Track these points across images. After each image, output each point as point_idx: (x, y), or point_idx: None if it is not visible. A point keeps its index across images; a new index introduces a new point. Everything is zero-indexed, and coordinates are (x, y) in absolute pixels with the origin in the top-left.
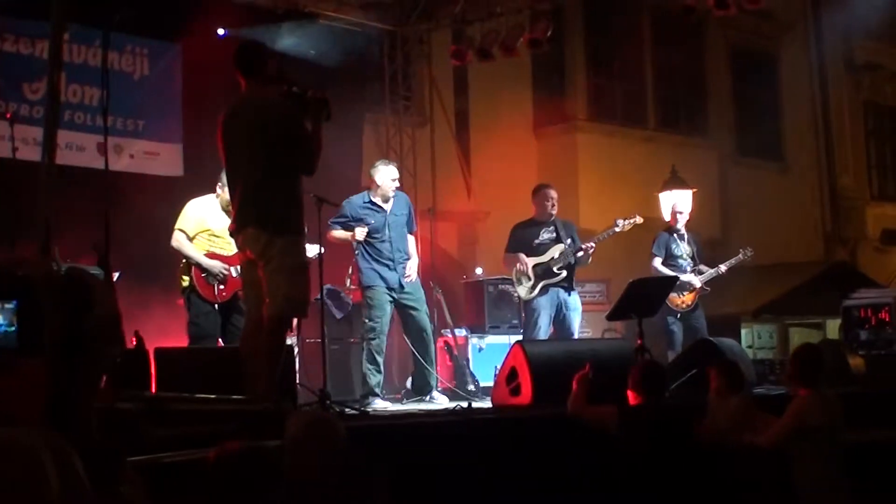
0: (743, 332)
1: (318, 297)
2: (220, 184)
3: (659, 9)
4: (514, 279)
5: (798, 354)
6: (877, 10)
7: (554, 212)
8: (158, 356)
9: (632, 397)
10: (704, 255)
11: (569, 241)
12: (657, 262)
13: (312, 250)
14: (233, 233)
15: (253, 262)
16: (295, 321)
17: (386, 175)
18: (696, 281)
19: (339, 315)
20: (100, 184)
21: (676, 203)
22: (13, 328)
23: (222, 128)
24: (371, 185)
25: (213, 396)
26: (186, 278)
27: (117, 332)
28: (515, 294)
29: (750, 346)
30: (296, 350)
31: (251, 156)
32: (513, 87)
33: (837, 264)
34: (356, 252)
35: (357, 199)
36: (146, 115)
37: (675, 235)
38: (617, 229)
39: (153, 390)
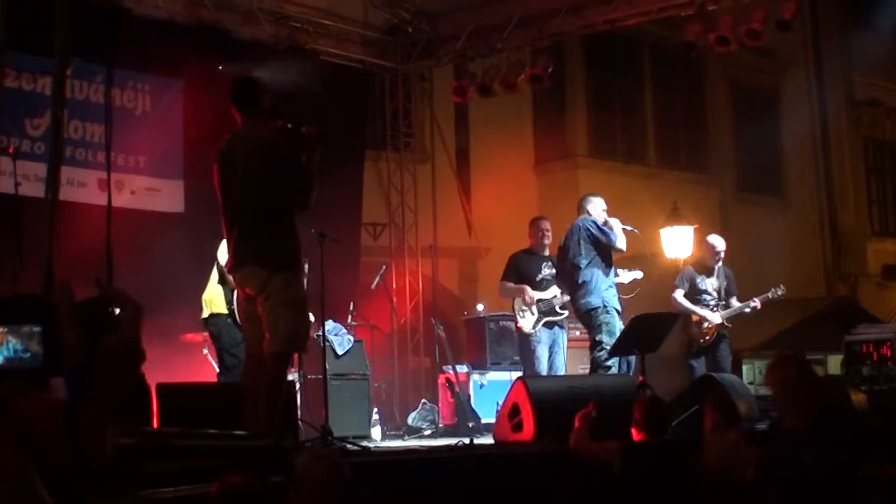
0: (744, 367)
1: (319, 333)
2: None
3: (659, 45)
4: (517, 310)
5: None
6: (877, 47)
7: (547, 243)
8: (160, 391)
9: (635, 434)
10: (737, 290)
11: None
12: (678, 293)
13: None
14: (231, 270)
15: (252, 298)
16: (296, 356)
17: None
18: (716, 318)
19: (340, 351)
20: (101, 219)
21: (716, 243)
22: (40, 351)
23: (218, 164)
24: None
25: (214, 432)
26: (221, 303)
27: (136, 352)
28: (516, 325)
29: (751, 382)
30: (297, 386)
31: (248, 192)
32: (514, 123)
33: (838, 300)
34: (591, 271)
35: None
36: (148, 152)
37: (703, 271)
38: (618, 280)
39: (155, 425)
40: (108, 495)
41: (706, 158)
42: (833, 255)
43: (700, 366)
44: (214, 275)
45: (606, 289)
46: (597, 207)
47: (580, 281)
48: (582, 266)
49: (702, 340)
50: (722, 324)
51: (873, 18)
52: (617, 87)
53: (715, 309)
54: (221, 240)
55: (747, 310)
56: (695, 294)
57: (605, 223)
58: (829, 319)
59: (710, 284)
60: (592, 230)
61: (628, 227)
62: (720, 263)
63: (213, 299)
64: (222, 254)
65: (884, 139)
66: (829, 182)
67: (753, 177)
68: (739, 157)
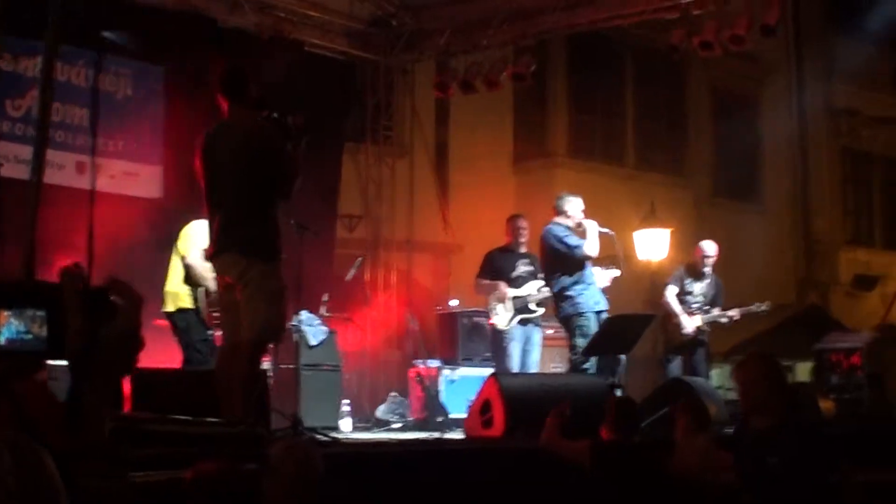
0: (714, 372)
1: (293, 323)
2: None
3: (642, 48)
4: (491, 307)
5: None
6: (858, 56)
7: (523, 240)
8: (133, 376)
9: (605, 433)
10: (723, 301)
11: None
12: (670, 291)
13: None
14: (210, 257)
15: (230, 286)
16: (271, 346)
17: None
18: (696, 320)
19: (313, 342)
20: (79, 202)
21: (706, 247)
22: (42, 333)
23: (202, 151)
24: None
25: (188, 418)
26: (189, 299)
27: (137, 341)
28: (490, 321)
29: (720, 387)
30: (270, 375)
31: (231, 180)
32: (494, 120)
33: (809, 308)
34: (560, 279)
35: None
36: (127, 136)
37: (692, 274)
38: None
39: (128, 410)
40: (103, 477)
41: (684, 161)
42: (805, 262)
43: (676, 367)
44: (178, 269)
45: (580, 293)
46: (575, 208)
47: (554, 291)
48: (551, 276)
49: (677, 341)
50: (699, 328)
51: (856, 27)
52: (598, 88)
53: (696, 313)
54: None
55: (724, 319)
56: (682, 295)
57: (580, 225)
58: (799, 327)
59: (697, 288)
60: (551, 241)
61: (605, 230)
62: (710, 269)
63: (181, 294)
64: (193, 249)
65: (861, 148)
66: (805, 189)
67: (730, 181)
68: (717, 161)
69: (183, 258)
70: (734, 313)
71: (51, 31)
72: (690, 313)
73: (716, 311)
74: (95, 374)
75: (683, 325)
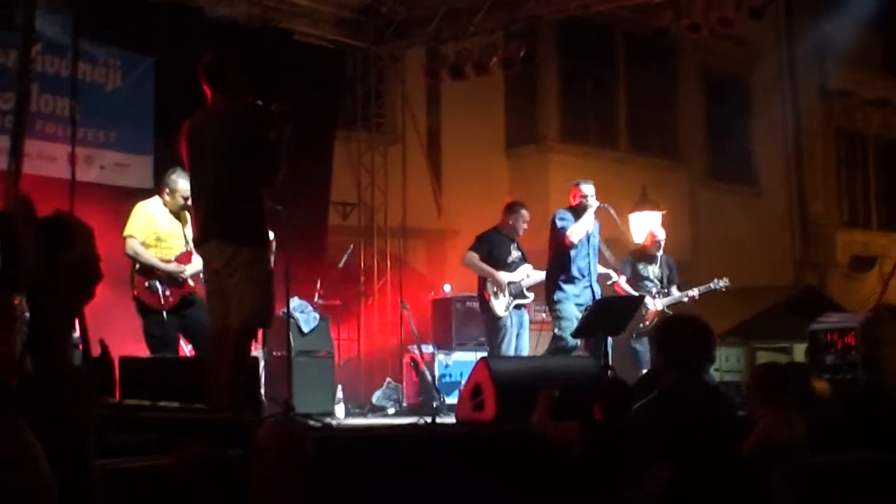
0: None
1: (285, 310)
2: (167, 189)
3: (632, 31)
4: (490, 292)
5: (761, 375)
6: (850, 37)
7: (521, 231)
8: (123, 364)
9: (597, 414)
10: (679, 279)
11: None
12: (622, 279)
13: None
14: (196, 244)
15: (217, 272)
16: (260, 333)
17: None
18: (658, 304)
19: (306, 329)
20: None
21: (653, 228)
22: None
23: (187, 139)
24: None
25: (174, 405)
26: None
27: (95, 270)
28: (486, 297)
29: (717, 369)
30: (261, 362)
31: (216, 168)
32: (485, 106)
33: (806, 289)
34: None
35: None
36: (118, 127)
37: (642, 258)
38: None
39: (117, 397)
40: (71, 406)
41: (677, 145)
42: (802, 244)
43: (644, 349)
44: None
45: (564, 281)
46: (576, 193)
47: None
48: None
49: (641, 325)
50: (662, 311)
51: (846, 9)
52: (589, 72)
53: (656, 296)
54: None
55: (685, 299)
56: (637, 281)
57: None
58: (796, 308)
59: (651, 272)
60: (550, 224)
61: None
62: (661, 251)
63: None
64: (128, 240)
65: (855, 130)
66: (799, 171)
67: (724, 164)
68: (711, 143)
69: None
70: (694, 293)
71: (25, 19)
72: (652, 298)
73: (676, 294)
74: (55, 303)
75: (648, 306)
